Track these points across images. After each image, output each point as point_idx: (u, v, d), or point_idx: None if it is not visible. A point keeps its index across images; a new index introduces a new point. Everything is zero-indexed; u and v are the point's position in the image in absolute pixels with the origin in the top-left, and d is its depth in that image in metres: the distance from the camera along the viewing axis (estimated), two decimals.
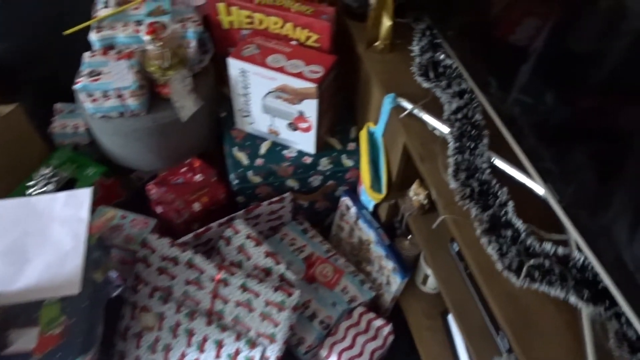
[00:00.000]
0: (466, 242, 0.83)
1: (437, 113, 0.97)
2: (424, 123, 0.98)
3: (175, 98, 1.10)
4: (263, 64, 1.08)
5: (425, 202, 1.05)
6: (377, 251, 1.19)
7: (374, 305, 1.24)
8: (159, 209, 1.14)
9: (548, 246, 0.76)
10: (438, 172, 0.91)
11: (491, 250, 0.80)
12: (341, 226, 1.32)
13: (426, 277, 1.18)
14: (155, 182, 1.17)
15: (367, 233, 1.21)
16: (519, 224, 0.79)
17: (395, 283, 1.15)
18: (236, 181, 1.18)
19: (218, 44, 1.21)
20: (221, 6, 1.14)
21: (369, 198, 1.14)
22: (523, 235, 0.78)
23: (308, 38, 1.12)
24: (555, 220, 0.76)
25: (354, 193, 1.26)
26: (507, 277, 0.76)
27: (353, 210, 1.24)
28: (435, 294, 1.20)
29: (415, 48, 1.08)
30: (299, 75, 1.05)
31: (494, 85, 0.91)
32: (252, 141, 1.23)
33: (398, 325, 1.16)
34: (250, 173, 1.18)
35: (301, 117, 1.13)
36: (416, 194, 1.06)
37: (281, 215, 1.28)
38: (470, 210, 0.84)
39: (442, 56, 1.03)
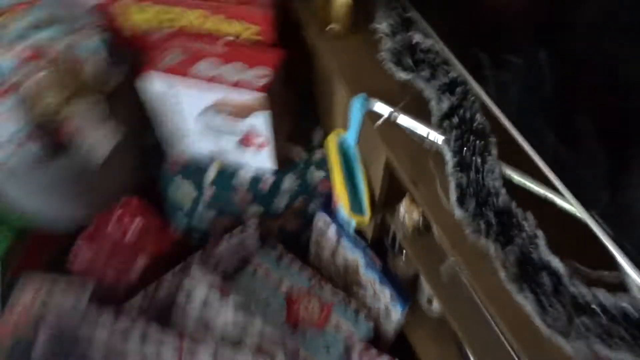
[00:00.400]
0: (487, 290, 0.64)
1: (424, 114, 0.75)
2: (407, 129, 0.76)
3: (83, 136, 0.84)
4: (192, 75, 0.83)
5: (420, 223, 0.85)
6: (368, 275, 1.00)
7: (374, 336, 1.05)
8: (92, 279, 0.91)
9: (601, 294, 0.57)
10: (437, 197, 0.70)
11: (523, 301, 0.61)
12: (321, 244, 1.12)
13: (432, 298, 0.99)
14: (82, 241, 0.93)
15: (354, 254, 1.02)
16: (555, 262, 0.60)
17: (395, 313, 0.97)
18: (184, 220, 0.95)
19: (131, 50, 0.95)
20: (123, 5, 0.87)
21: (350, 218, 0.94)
22: (564, 279, 0.59)
23: (245, 31, 0.87)
24: (599, 246, 0.57)
25: (329, 207, 1.05)
26: (552, 337, 0.58)
27: (332, 228, 1.03)
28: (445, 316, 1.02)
29: (383, 27, 0.84)
30: (239, 85, 0.81)
31: (492, 68, 0.69)
32: (195, 166, 1.00)
33: (405, 358, 0.99)
34: (200, 208, 0.95)
35: (252, 132, 0.90)
36: (408, 213, 0.85)
37: (248, 244, 1.07)
38: (488, 247, 0.65)
39: (417, 36, 0.80)
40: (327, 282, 1.06)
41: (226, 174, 0.98)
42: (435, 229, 0.69)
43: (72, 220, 1.00)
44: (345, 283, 1.09)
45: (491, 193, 0.66)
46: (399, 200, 0.88)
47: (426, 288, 0.98)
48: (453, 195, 0.67)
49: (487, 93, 0.70)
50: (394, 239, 0.97)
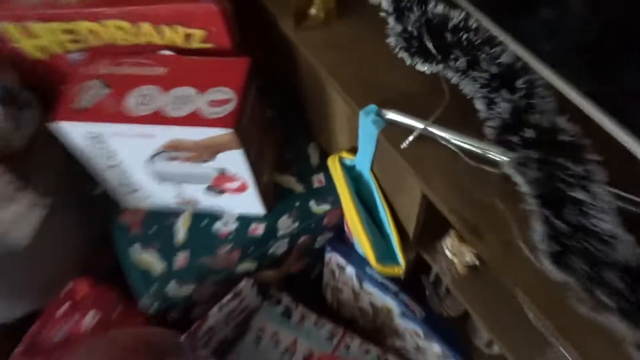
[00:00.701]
0: None
1: (472, 121, 0.51)
2: (448, 148, 0.52)
3: None
4: (123, 116, 0.57)
5: (476, 263, 0.61)
6: (407, 324, 0.77)
7: None
8: None
9: None
10: (517, 248, 0.46)
11: None
12: (337, 287, 0.88)
13: (492, 341, 0.77)
14: (20, 355, 0.68)
15: (383, 300, 0.78)
16: None
17: None
18: (154, 304, 0.71)
19: (36, 89, 0.68)
20: (10, 27, 0.60)
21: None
22: None
23: (188, 38, 0.61)
24: None
25: (341, 243, 0.82)
26: None
27: (350, 270, 0.80)
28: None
29: (383, 2, 0.58)
30: (193, 121, 0.56)
31: (565, 40, 0.45)
32: (158, 223, 0.75)
33: None
34: (172, 284, 0.70)
35: (224, 176, 0.65)
36: (457, 253, 0.62)
37: (246, 306, 0.83)
38: (616, 326, 0.41)
39: (441, 8, 0.54)
40: (353, 335, 0.83)
41: (200, 231, 0.74)
42: (529, 309, 0.45)
43: (6, 318, 0.75)
44: (376, 327, 0.86)
45: (609, 244, 0.42)
46: (439, 232, 0.64)
47: (484, 332, 0.75)
48: (545, 250, 0.44)
49: (568, 79, 0.46)
50: (435, 286, 0.74)
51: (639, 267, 0.41)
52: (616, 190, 0.45)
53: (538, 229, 0.44)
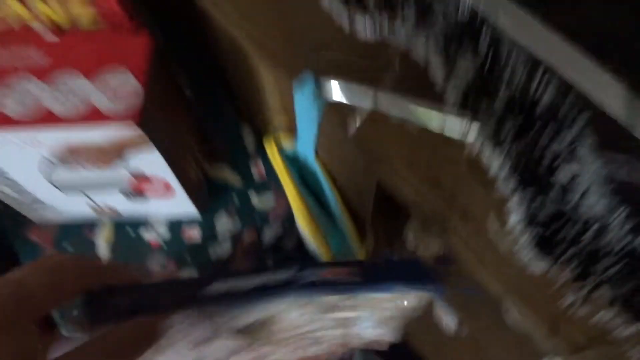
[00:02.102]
0: None
1: (425, 88, 0.42)
2: (404, 124, 0.43)
3: None
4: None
5: (441, 253, 0.54)
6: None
7: None
8: None
9: None
10: (485, 234, 0.39)
11: None
12: None
13: None
14: None
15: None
16: None
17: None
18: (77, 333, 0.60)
19: None
20: None
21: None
22: None
23: (67, 12, 0.48)
24: None
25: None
26: None
27: None
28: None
29: None
30: (87, 117, 0.44)
31: None
32: (75, 236, 0.63)
33: None
34: None
35: (140, 178, 0.54)
36: (420, 244, 0.54)
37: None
38: (615, 323, 0.35)
39: None
40: None
41: (126, 243, 0.63)
42: (511, 310, 0.38)
43: None
44: None
45: (601, 228, 0.35)
46: (401, 220, 0.56)
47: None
48: (524, 236, 0.36)
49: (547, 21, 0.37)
50: None
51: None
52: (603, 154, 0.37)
53: (515, 213, 0.37)
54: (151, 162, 0.50)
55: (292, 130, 0.57)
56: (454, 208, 0.39)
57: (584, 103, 0.36)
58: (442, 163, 0.41)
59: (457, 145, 0.40)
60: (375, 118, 0.42)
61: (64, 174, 0.52)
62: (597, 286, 0.35)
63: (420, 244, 0.54)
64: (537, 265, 0.36)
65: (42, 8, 0.47)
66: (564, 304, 0.35)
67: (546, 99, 0.37)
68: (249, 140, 0.68)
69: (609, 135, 0.35)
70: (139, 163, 0.51)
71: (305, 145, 0.53)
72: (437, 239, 0.52)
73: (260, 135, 0.69)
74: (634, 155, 0.35)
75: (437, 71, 0.41)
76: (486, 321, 0.54)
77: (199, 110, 0.67)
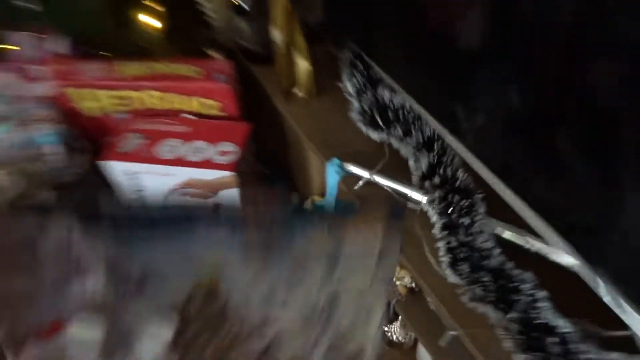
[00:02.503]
0: None
1: (405, 174, 0.71)
2: (386, 191, 0.72)
3: None
4: (154, 159, 0.78)
5: (414, 285, 0.80)
6: None
7: None
8: None
9: (615, 357, 0.52)
10: (426, 261, 0.65)
11: None
12: None
13: None
14: None
15: None
16: (562, 325, 0.55)
17: None
18: None
19: (88, 138, 0.90)
20: (73, 92, 0.83)
21: None
22: (574, 343, 0.54)
23: (205, 108, 0.83)
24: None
25: None
26: None
27: None
28: None
29: (348, 87, 0.81)
30: (206, 165, 0.77)
31: (466, 119, 0.66)
32: None
33: None
34: None
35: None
36: (399, 278, 0.80)
37: None
38: (489, 315, 0.59)
39: (387, 93, 0.77)
40: None
41: None
42: (431, 299, 0.63)
43: None
44: None
45: (484, 256, 0.61)
46: None
47: (426, 356, 0.91)
48: (444, 259, 0.63)
49: (466, 145, 0.67)
50: (387, 306, 0.91)
51: (505, 274, 0.60)
52: (493, 219, 0.64)
53: (442, 249, 0.64)
54: (232, 199, 0.81)
55: (321, 193, 0.87)
56: (410, 244, 0.67)
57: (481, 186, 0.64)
58: (410, 224, 0.69)
59: (415, 207, 0.69)
60: (370, 186, 0.72)
61: (177, 199, 0.84)
62: (479, 290, 0.60)
63: (397, 278, 0.80)
64: (452, 278, 0.62)
65: (192, 103, 0.82)
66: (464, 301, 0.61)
67: (464, 184, 0.65)
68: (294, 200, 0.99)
69: (494, 207, 0.63)
70: (224, 199, 0.82)
71: (330, 202, 0.82)
72: (409, 274, 0.78)
73: (301, 199, 1.00)
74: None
75: (410, 163, 0.71)
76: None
77: (265, 179, 0.99)
